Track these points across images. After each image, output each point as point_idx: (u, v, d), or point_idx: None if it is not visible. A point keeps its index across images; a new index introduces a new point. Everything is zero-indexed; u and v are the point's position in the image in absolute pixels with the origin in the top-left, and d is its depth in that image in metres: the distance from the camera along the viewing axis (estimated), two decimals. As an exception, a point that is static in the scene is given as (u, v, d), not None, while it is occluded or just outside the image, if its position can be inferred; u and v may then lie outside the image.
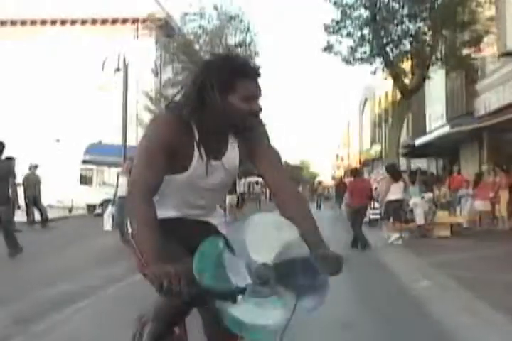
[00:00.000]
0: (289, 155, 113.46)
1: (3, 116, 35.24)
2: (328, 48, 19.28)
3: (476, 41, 18.11)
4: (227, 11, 31.83)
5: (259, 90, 2.91)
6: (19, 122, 35.26)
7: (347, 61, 19.31)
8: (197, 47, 32.37)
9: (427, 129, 31.21)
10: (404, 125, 31.07)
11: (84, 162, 29.49)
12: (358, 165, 48.27)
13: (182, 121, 2.91)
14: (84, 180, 30.51)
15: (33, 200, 20.12)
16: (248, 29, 32.34)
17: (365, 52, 19.20)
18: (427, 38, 18.91)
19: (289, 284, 2.38)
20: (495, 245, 14.49)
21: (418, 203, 16.83)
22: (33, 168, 20.76)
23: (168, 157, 2.89)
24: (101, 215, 20.27)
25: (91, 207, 28.29)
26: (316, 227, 2.80)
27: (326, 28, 19.04)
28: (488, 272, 10.09)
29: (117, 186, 15.68)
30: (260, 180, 73.30)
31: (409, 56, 19.62)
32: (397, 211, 15.75)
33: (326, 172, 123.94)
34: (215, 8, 31.43)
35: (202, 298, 2.68)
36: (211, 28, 31.72)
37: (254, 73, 2.91)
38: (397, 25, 18.89)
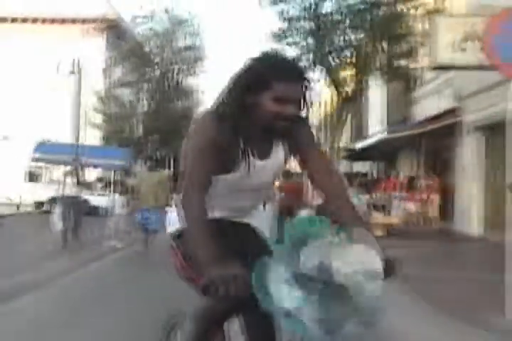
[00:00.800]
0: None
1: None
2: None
3: (411, 53, 19.24)
4: (177, 15, 32.57)
5: (297, 93, 2.84)
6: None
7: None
8: (147, 49, 33.10)
9: (368, 133, 32.35)
10: (347, 129, 32.32)
11: (34, 159, 29.88)
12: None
13: (226, 121, 2.87)
14: (32, 177, 30.88)
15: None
16: (198, 33, 33.14)
17: (307, 61, 20.16)
18: (367, 49, 19.97)
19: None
20: (425, 244, 15.56)
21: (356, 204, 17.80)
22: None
23: (217, 157, 2.87)
24: (48, 212, 20.64)
25: (39, 205, 28.67)
26: (368, 224, 2.92)
27: (272, 36, 19.99)
28: (419, 268, 11.06)
29: (64, 185, 16.17)
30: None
31: (349, 65, 20.63)
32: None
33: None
34: (166, 11, 32.07)
35: (252, 303, 2.51)
36: (161, 31, 32.52)
37: (293, 75, 2.84)
38: (339, 35, 19.94)
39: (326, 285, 2.31)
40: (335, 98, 24.77)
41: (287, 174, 17.73)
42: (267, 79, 2.76)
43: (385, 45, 19.81)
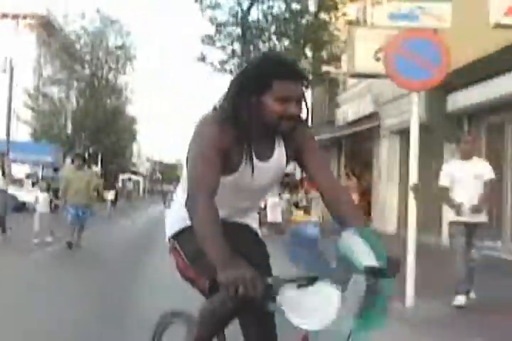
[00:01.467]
0: (166, 154, 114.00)
1: None
2: (202, 59, 21.00)
3: (334, 60, 20.21)
4: (109, 15, 33.05)
5: (298, 93, 2.84)
6: None
7: (219, 71, 21.09)
8: (78, 47, 33.39)
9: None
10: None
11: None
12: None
13: (231, 122, 2.89)
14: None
15: None
16: (128, 33, 33.61)
17: (233, 65, 21.01)
18: (291, 55, 20.88)
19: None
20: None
21: (277, 203, 18.75)
22: None
23: (221, 159, 2.88)
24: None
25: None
26: (368, 224, 3.29)
27: (202, 40, 20.76)
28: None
29: None
30: (133, 177, 72.91)
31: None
32: None
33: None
34: (98, 11, 32.47)
35: (259, 301, 2.52)
36: (92, 30, 32.89)
37: (293, 75, 2.85)
38: (264, 42, 20.83)
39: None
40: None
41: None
42: (268, 79, 2.78)
43: (308, 51, 20.74)
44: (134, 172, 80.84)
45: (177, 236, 3.18)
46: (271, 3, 20.36)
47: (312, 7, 20.42)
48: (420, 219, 8.84)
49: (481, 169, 8.24)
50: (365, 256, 2.46)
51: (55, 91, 34.44)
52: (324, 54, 20.42)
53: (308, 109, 3.00)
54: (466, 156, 8.33)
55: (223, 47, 20.86)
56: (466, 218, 7.98)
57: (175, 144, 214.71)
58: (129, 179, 62.60)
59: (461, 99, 14.33)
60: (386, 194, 20.26)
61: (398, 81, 8.33)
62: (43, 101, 33.10)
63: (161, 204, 50.81)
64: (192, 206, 2.74)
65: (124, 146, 57.17)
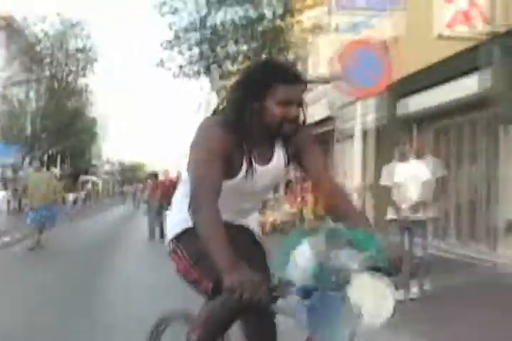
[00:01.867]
0: (128, 155, 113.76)
1: None
2: (161, 64, 21.43)
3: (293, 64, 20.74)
4: (69, 18, 33.21)
5: (299, 96, 2.90)
6: None
7: (177, 76, 21.53)
8: (38, 49, 33.49)
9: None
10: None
11: None
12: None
13: (231, 126, 2.93)
14: None
15: None
16: (88, 36, 33.81)
17: (190, 70, 21.47)
18: (249, 60, 21.42)
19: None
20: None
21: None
22: None
23: (223, 162, 2.91)
24: None
25: None
26: (370, 223, 2.95)
27: (161, 45, 21.17)
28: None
29: None
30: (93, 178, 72.77)
31: (232, 75, 22.02)
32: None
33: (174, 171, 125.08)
34: (58, 14, 32.65)
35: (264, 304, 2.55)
36: (53, 33, 33.03)
37: (293, 79, 2.90)
38: (222, 47, 21.31)
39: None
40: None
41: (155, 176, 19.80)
42: (269, 83, 2.83)
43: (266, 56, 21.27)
44: (94, 174, 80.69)
45: (179, 238, 3.16)
46: (229, 10, 20.82)
47: (270, 13, 20.92)
48: (377, 217, 9.35)
49: (418, 170, 8.64)
50: (350, 259, 2.45)
51: (14, 92, 34.42)
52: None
53: (304, 112, 3.01)
54: (404, 158, 8.80)
55: (181, 53, 21.27)
56: (404, 216, 8.42)
57: (135, 146, 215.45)
58: (89, 181, 62.63)
59: (411, 104, 14.95)
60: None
61: (345, 89, 8.91)
62: (2, 102, 33.08)
63: (120, 205, 50.91)
64: (196, 207, 2.75)
65: (84, 148, 57.21)
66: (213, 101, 36.16)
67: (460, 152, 13.79)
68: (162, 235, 17.00)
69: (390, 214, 8.70)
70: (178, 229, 3.17)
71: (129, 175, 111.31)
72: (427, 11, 11.88)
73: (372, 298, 2.38)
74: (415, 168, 8.63)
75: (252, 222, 3.43)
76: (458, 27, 11.28)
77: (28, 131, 34.10)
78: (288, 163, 3.15)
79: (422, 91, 13.87)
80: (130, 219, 26.08)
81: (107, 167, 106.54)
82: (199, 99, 57.90)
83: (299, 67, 20.45)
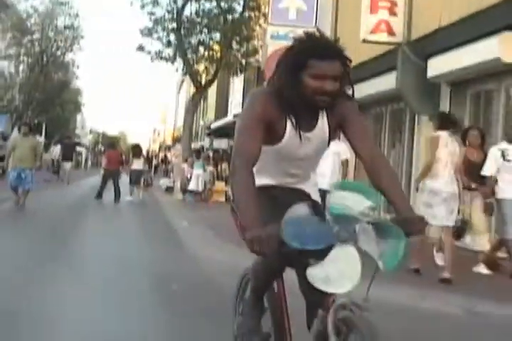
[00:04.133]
0: (109, 127, 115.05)
1: None
2: (140, 48, 23.84)
3: (254, 52, 23.26)
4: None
5: (333, 71, 2.97)
6: None
7: (155, 59, 23.90)
8: (28, 24, 35.31)
9: (228, 114, 36.16)
10: (212, 110, 36.12)
11: None
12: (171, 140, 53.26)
13: (276, 95, 3.08)
14: None
15: None
16: (77, 14, 35.72)
17: (169, 54, 23.85)
18: (217, 47, 23.87)
19: (368, 244, 2.70)
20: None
21: (200, 174, 21.64)
22: None
23: (265, 128, 3.07)
24: None
25: None
26: (403, 194, 3.06)
27: (141, 32, 23.55)
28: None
29: None
30: (77, 148, 74.57)
31: (203, 60, 24.46)
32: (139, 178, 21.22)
33: (144, 145, 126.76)
34: (47, -8, 34.46)
35: (292, 258, 2.87)
36: (42, 10, 34.89)
37: (329, 54, 2.99)
38: (196, 34, 23.71)
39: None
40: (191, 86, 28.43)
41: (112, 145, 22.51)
42: (305, 58, 2.95)
43: (234, 45, 23.69)
44: (78, 144, 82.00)
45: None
46: (202, 1, 23.23)
47: (239, 6, 23.35)
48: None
49: (339, 148, 10.57)
50: (356, 203, 2.74)
51: (5, 65, 36.15)
52: (246, 47, 23.39)
53: (352, 85, 3.17)
54: None
55: (159, 39, 23.68)
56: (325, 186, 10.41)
57: (117, 117, 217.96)
58: (80, 152, 64.53)
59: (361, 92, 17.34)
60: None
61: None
62: None
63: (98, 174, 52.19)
64: (231, 173, 3.02)
65: (68, 118, 58.88)
66: (187, 82, 38.39)
67: (385, 136, 16.33)
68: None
69: None
70: None
71: (111, 144, 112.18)
72: (356, 20, 14.37)
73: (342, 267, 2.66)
74: (338, 147, 10.51)
75: (310, 187, 3.58)
76: (379, 34, 13.77)
77: (17, 101, 35.89)
78: (333, 133, 3.27)
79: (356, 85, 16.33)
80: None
81: (89, 137, 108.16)
82: (174, 80, 60.09)
83: (258, 56, 23.01)
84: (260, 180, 3.26)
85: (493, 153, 8.59)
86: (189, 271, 8.25)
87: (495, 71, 11.04)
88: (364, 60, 15.14)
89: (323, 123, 3.23)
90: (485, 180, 8.62)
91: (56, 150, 31.14)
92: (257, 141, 3.05)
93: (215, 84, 28.70)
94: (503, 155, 8.49)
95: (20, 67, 36.68)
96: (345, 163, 10.97)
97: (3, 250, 9.17)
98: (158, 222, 14.89)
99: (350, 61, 3.07)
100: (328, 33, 18.16)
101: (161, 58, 23.76)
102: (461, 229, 8.74)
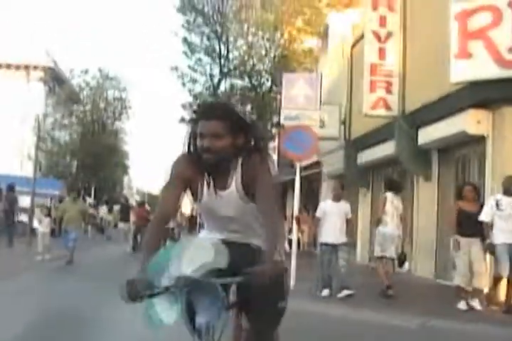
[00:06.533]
0: (155, 186, 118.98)
1: None
2: (182, 121, 26.98)
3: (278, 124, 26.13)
4: (108, 72, 38.49)
5: (210, 129, 3.22)
6: None
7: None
8: (81, 97, 38.59)
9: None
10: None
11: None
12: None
13: (192, 158, 3.34)
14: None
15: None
16: (124, 88, 39.02)
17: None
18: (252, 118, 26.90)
19: (192, 297, 2.93)
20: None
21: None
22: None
23: (186, 186, 3.38)
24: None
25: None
26: (270, 247, 3.13)
27: (183, 106, 26.73)
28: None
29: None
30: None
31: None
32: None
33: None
34: (99, 70, 37.93)
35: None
36: (94, 84, 38.19)
37: (206, 114, 3.31)
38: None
39: (186, 285, 2.88)
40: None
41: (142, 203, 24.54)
42: (195, 121, 3.34)
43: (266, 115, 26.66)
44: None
45: None
46: (234, 79, 26.37)
47: (268, 82, 26.38)
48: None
49: (344, 208, 11.65)
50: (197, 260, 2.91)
51: (61, 135, 39.25)
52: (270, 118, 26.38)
53: (257, 138, 3.38)
54: (337, 199, 11.68)
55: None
56: (332, 240, 11.35)
57: (162, 177, 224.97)
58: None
59: (363, 157, 19.90)
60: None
61: (287, 154, 13.77)
62: (50, 143, 37.69)
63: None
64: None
65: (116, 179, 61.60)
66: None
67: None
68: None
69: (322, 239, 11.58)
70: None
71: (154, 203, 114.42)
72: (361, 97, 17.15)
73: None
74: (344, 207, 11.66)
75: (258, 240, 3.49)
76: (378, 109, 16.47)
77: (74, 168, 38.67)
78: (248, 191, 3.34)
79: (365, 150, 18.97)
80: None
81: (136, 197, 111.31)
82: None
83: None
84: (211, 234, 3.63)
85: (489, 202, 10.09)
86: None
87: (466, 140, 13.51)
88: (368, 131, 17.85)
89: (236, 182, 3.37)
90: (482, 227, 10.13)
91: (104, 209, 34.02)
92: (174, 198, 3.37)
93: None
94: (497, 205, 9.91)
95: (73, 135, 39.38)
96: (349, 222, 11.81)
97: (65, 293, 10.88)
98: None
99: (238, 119, 3.35)
100: (343, 108, 21.06)
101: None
102: (401, 260, 11.63)
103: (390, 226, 11.37)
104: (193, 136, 3.33)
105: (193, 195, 3.47)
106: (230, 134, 3.26)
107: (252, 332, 3.53)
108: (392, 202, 11.42)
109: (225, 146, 3.24)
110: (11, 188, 22.38)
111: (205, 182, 3.38)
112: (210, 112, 3.31)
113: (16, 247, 20.26)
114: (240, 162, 3.36)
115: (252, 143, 3.38)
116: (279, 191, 3.49)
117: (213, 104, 3.66)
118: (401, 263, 11.87)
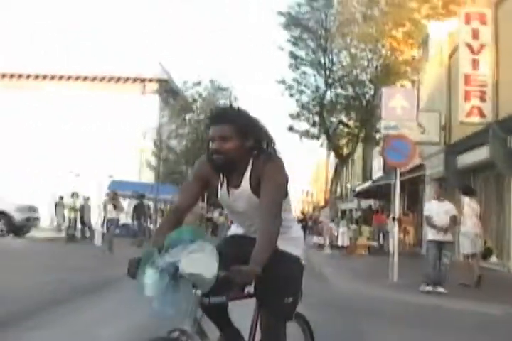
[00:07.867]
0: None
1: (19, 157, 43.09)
2: (291, 129, 28.71)
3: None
4: (220, 84, 40.32)
5: (220, 133, 3.44)
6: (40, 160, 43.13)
7: (304, 136, 28.71)
8: (194, 107, 40.47)
9: (373, 177, 39.17)
10: (357, 174, 39.87)
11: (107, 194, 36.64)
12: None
13: (209, 159, 3.54)
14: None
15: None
16: (235, 98, 40.65)
17: (313, 133, 28.65)
18: (355, 126, 28.44)
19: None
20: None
21: (345, 231, 25.81)
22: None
23: (205, 184, 3.68)
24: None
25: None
26: (257, 252, 3.23)
27: (290, 115, 28.46)
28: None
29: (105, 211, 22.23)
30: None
31: (343, 136, 29.02)
32: None
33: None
34: (211, 81, 39.82)
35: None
36: (206, 95, 40.12)
37: (215, 119, 3.54)
38: (335, 116, 28.36)
39: (172, 277, 2.99)
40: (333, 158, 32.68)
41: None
42: (208, 126, 3.59)
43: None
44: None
45: None
46: (339, 90, 27.95)
47: (371, 90, 27.77)
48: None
49: (448, 207, 12.56)
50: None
51: (175, 143, 41.55)
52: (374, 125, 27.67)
53: (260, 140, 3.56)
54: (440, 198, 12.75)
55: (307, 120, 28.44)
56: (439, 237, 12.25)
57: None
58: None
59: (465, 160, 21.03)
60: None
61: (387, 162, 15.29)
62: (166, 151, 39.93)
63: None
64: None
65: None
66: (331, 155, 42.77)
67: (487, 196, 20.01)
68: None
69: (429, 236, 12.56)
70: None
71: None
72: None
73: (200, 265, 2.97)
74: (447, 206, 12.67)
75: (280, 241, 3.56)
76: (473, 117, 17.68)
77: (188, 175, 40.23)
78: (255, 191, 3.53)
79: (464, 154, 20.15)
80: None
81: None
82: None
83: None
84: (234, 230, 3.97)
85: None
86: (331, 295, 12.11)
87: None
88: (466, 136, 19.06)
89: (246, 181, 3.55)
90: None
91: (217, 212, 36.18)
92: (189, 194, 3.68)
93: (360, 152, 32.57)
94: None
95: (183, 142, 41.48)
96: (453, 219, 12.52)
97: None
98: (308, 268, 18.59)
99: (246, 122, 3.52)
100: (443, 114, 22.16)
101: (308, 136, 28.44)
102: (486, 254, 13.05)
103: (469, 225, 12.92)
104: (209, 140, 3.56)
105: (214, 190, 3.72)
106: (238, 137, 3.47)
107: (262, 325, 3.71)
108: (469, 205, 12.98)
109: (232, 148, 3.46)
110: (140, 197, 26.01)
111: (219, 181, 3.65)
112: (218, 117, 3.56)
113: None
114: (251, 162, 3.56)
115: (264, 145, 3.58)
116: (284, 191, 3.58)
117: (222, 109, 3.81)
118: (485, 257, 13.33)
